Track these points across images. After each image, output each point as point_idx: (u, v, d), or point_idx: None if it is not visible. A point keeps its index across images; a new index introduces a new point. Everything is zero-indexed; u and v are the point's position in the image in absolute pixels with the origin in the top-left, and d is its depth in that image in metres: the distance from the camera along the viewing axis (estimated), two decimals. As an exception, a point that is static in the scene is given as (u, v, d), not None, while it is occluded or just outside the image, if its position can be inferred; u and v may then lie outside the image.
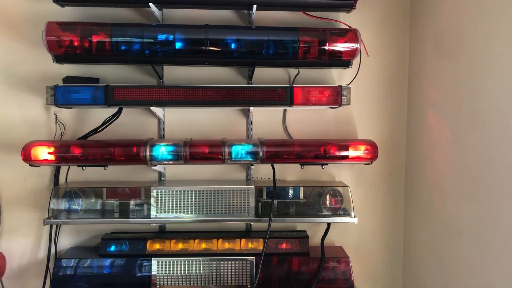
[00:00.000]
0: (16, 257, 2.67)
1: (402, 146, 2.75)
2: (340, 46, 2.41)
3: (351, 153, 2.46)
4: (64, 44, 2.32)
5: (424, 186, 2.50)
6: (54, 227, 2.64)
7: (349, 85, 2.52)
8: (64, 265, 2.49)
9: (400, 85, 2.72)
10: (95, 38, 2.31)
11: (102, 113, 2.56)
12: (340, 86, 2.44)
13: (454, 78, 2.16)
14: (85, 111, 2.62)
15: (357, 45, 2.41)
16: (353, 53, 2.43)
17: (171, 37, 2.34)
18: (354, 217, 2.49)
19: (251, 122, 2.66)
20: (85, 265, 2.49)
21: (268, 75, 2.63)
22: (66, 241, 2.70)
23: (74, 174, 2.65)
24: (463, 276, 2.07)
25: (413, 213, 2.67)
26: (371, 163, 2.53)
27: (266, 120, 2.68)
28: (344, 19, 2.60)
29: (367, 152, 2.47)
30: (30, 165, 2.41)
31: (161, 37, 2.34)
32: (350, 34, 2.42)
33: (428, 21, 2.46)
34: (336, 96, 2.43)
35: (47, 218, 2.44)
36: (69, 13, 2.52)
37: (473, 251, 1.98)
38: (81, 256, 2.52)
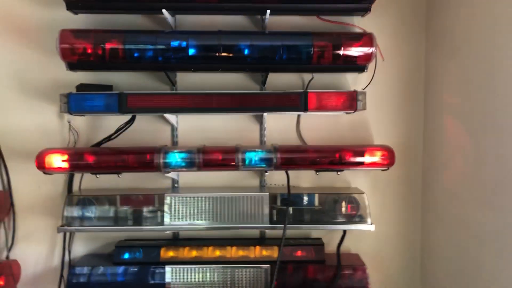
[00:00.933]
0: (31, 265, 2.67)
1: (419, 151, 2.69)
2: (355, 51, 2.36)
3: (367, 159, 2.41)
4: (77, 52, 2.31)
5: (442, 192, 2.44)
6: (68, 234, 2.63)
7: (364, 90, 2.47)
8: (78, 273, 2.47)
9: (416, 89, 2.66)
10: (108, 46, 2.29)
11: (115, 121, 2.54)
12: (355, 91, 2.39)
13: (473, 81, 2.10)
14: (98, 118, 2.61)
15: (373, 49, 2.36)
16: (368, 58, 2.39)
17: (184, 43, 2.31)
18: (371, 224, 2.44)
19: (265, 128, 2.63)
20: (99, 272, 2.48)
21: (281, 81, 2.60)
22: (80, 248, 2.69)
23: (88, 181, 2.64)
24: (485, 286, 2.01)
25: (430, 219, 2.61)
26: (388, 169, 2.48)
27: (280, 126, 2.64)
28: (358, 23, 2.55)
29: (383, 157, 2.42)
30: (44, 172, 2.40)
31: (174, 43, 2.32)
32: (365, 38, 2.37)
33: (444, 23, 2.40)
34: (352, 101, 2.38)
35: (61, 226, 2.44)
36: (82, 21, 2.51)
37: (496, 260, 1.93)
38: (95, 264, 2.51)
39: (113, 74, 2.58)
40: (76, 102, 2.36)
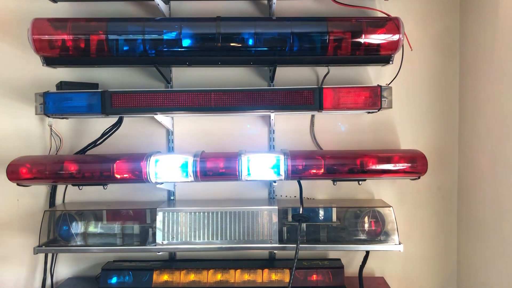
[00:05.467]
0: (8, 289, 2.43)
1: (454, 157, 2.39)
2: (379, 38, 2.08)
3: (394, 166, 2.10)
4: (55, 44, 2.04)
5: (481, 205, 2.15)
6: (49, 255, 2.36)
7: (390, 85, 2.14)
8: (59, 300, 2.21)
9: (449, 84, 2.36)
10: (89, 36, 2.03)
11: (103, 124, 2.29)
12: (379, 86, 2.08)
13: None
14: (84, 121, 2.36)
15: (399, 37, 2.06)
16: (394, 46, 2.09)
17: (176, 33, 2.03)
18: (399, 244, 2.10)
19: (273, 130, 2.36)
20: (83, 300, 2.22)
21: (292, 76, 2.34)
22: (63, 270, 2.44)
23: (73, 194, 2.40)
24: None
25: (468, 237, 2.30)
26: (419, 178, 2.15)
27: (291, 128, 2.39)
28: (380, 6, 2.27)
29: (414, 165, 2.10)
30: (17, 184, 2.15)
31: (166, 33, 2.03)
32: (390, 24, 2.09)
33: (483, 4, 2.09)
34: (375, 98, 2.09)
35: (39, 246, 2.17)
36: (63, 10, 2.28)
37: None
38: (79, 290, 2.24)
39: (100, 71, 2.35)
40: (54, 102, 2.12)
